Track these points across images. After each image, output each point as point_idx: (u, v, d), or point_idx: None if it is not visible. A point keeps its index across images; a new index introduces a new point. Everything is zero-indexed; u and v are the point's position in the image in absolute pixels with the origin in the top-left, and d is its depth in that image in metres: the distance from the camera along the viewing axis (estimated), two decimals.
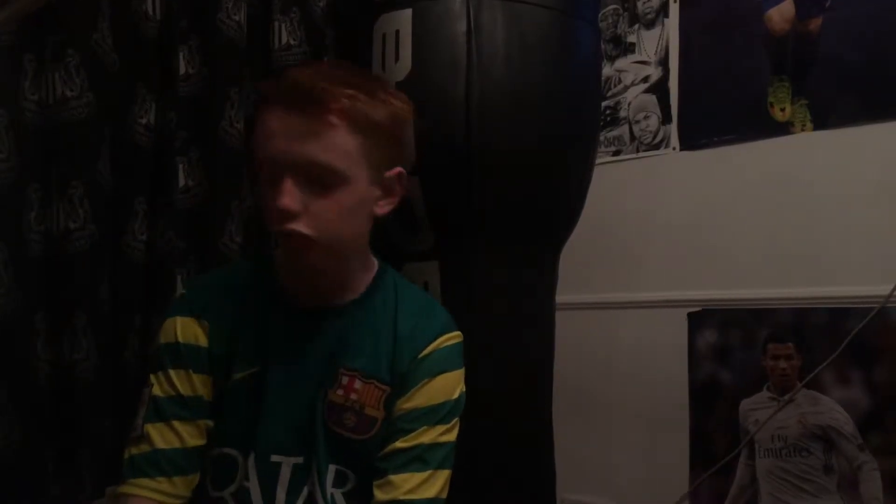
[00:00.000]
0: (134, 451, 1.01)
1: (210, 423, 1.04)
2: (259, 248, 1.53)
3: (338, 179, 0.96)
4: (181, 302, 1.08)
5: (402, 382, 1.04)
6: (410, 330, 1.07)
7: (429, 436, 1.03)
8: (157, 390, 1.02)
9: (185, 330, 1.04)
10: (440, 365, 1.06)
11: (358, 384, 1.04)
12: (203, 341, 1.04)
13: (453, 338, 1.09)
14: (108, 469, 1.37)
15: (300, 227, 0.95)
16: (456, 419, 1.07)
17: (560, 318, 1.50)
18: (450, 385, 1.06)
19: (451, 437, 1.05)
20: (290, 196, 0.94)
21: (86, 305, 1.35)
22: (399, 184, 1.05)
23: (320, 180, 0.95)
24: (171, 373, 1.02)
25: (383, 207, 1.04)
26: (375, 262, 1.12)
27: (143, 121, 1.45)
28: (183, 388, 1.02)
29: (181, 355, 1.03)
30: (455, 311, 1.28)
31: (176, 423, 1.01)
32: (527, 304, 1.41)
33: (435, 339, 1.07)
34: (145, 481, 0.99)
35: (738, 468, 1.81)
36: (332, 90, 0.94)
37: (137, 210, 1.45)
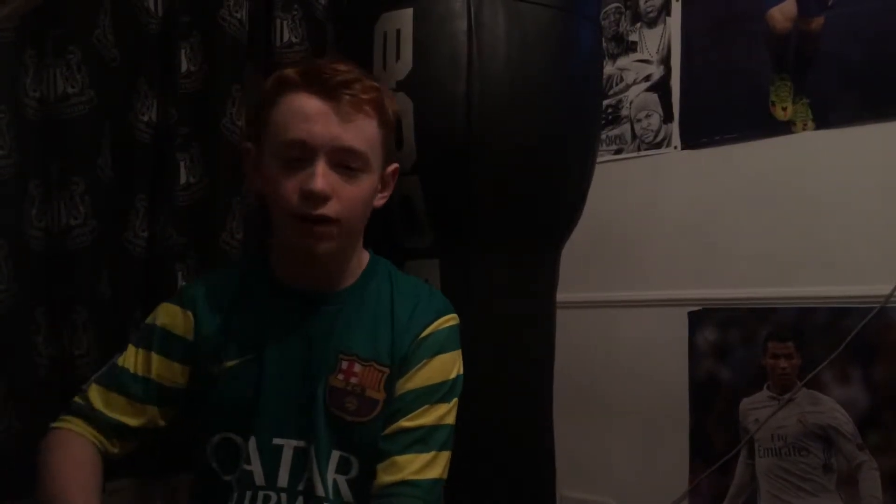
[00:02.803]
0: (77, 399, 1.08)
1: (153, 407, 1.07)
2: (260, 245, 1.54)
3: (365, 167, 1.01)
4: (177, 293, 1.14)
5: (402, 364, 1.06)
6: (409, 314, 1.08)
7: (430, 417, 1.04)
8: (119, 360, 1.08)
9: (166, 315, 1.09)
10: (438, 346, 1.07)
11: (357, 367, 1.05)
12: (181, 331, 1.08)
13: (450, 320, 1.11)
14: (107, 466, 1.37)
15: (330, 211, 0.99)
16: (455, 400, 1.08)
17: (561, 316, 1.50)
18: (447, 366, 1.07)
19: (451, 419, 1.07)
20: (325, 179, 0.97)
21: (86, 301, 1.35)
22: (393, 179, 1.11)
23: (350, 166, 1.00)
24: (137, 350, 1.08)
25: (380, 200, 1.09)
26: (367, 253, 1.14)
27: (145, 117, 1.46)
28: (139, 368, 1.07)
29: (152, 337, 1.08)
30: (455, 308, 1.29)
31: (115, 396, 1.06)
32: (527, 302, 1.41)
33: (434, 320, 1.09)
34: (77, 420, 1.06)
35: (737, 467, 1.81)
36: (363, 81, 1.00)
37: (138, 207, 1.45)
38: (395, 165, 1.10)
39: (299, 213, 0.98)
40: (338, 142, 0.98)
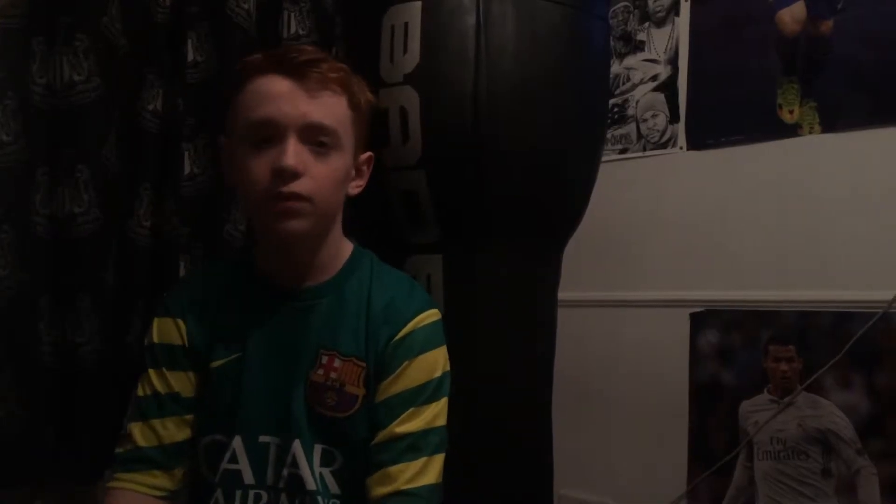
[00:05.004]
0: (119, 449, 1.06)
1: (190, 417, 1.07)
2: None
3: (336, 144, 0.99)
4: (161, 304, 1.11)
5: (380, 363, 1.04)
6: (385, 307, 1.06)
7: (419, 421, 1.02)
8: (139, 391, 1.07)
9: (161, 330, 1.08)
10: (420, 345, 1.04)
11: (337, 363, 1.04)
12: (178, 340, 1.07)
13: (431, 316, 1.08)
14: (109, 451, 1.37)
15: (301, 188, 0.96)
16: (444, 399, 1.05)
17: (562, 314, 1.50)
18: (431, 364, 1.05)
19: (442, 420, 1.05)
20: (295, 156, 0.96)
21: (89, 289, 1.35)
22: (368, 167, 1.10)
23: (321, 143, 0.98)
24: (150, 373, 1.07)
25: (354, 189, 1.08)
26: (350, 245, 1.12)
27: (151, 107, 1.46)
28: (160, 387, 1.06)
29: (156, 355, 1.07)
30: (457, 305, 1.29)
31: (154, 422, 1.05)
32: (529, 299, 1.41)
33: (412, 318, 1.05)
34: (129, 475, 1.04)
35: (736, 469, 1.81)
36: (329, 62, 1.00)
37: (143, 196, 1.45)
38: (368, 154, 1.09)
39: (271, 193, 0.96)
40: (307, 118, 0.96)
